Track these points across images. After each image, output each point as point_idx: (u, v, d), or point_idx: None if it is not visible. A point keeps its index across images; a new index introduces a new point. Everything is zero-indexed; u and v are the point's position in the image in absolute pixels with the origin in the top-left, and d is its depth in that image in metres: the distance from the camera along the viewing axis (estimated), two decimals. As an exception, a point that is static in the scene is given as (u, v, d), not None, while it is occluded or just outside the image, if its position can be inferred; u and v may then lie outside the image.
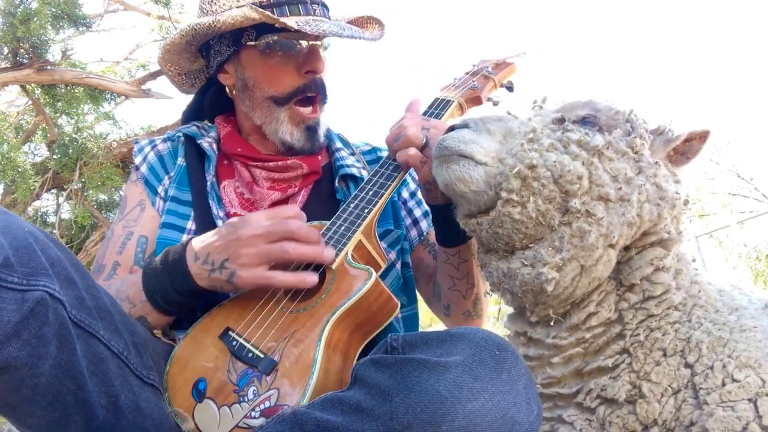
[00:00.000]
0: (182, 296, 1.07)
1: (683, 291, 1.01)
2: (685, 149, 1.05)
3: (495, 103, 1.36)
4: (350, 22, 1.43)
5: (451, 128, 1.09)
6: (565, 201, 0.97)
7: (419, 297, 1.46)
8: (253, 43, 1.30)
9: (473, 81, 1.33)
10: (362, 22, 1.46)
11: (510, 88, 1.41)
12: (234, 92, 1.40)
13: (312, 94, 1.33)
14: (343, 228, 1.13)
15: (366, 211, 1.16)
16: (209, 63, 1.39)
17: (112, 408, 0.89)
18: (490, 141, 1.05)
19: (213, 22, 1.22)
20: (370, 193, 1.19)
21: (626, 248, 1.02)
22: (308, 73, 1.32)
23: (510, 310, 1.18)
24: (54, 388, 0.82)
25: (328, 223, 1.16)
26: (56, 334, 0.82)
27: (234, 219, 1.08)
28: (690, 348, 0.95)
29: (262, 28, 1.28)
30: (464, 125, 1.08)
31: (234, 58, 1.34)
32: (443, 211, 1.21)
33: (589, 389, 1.00)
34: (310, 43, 1.32)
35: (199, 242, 1.07)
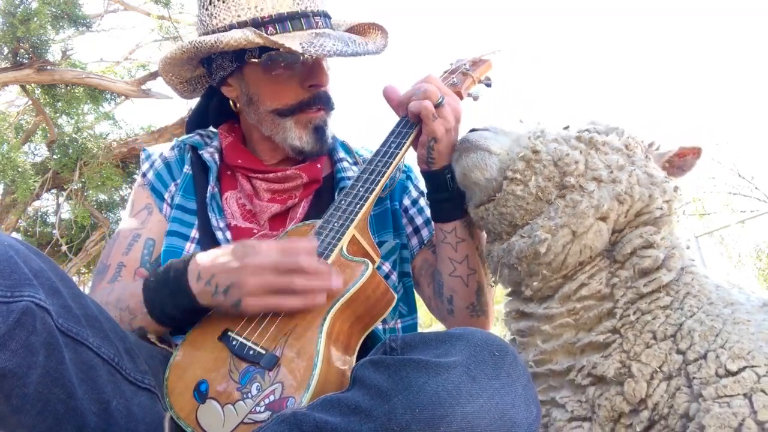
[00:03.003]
0: (183, 313, 1.06)
1: (674, 273, 1.05)
2: (680, 163, 1.15)
3: (475, 98, 1.37)
4: (352, 29, 1.42)
5: (473, 130, 1.22)
6: (562, 179, 1.08)
7: (419, 307, 1.44)
8: (256, 60, 1.28)
9: (453, 78, 1.34)
10: (364, 29, 1.44)
11: (488, 84, 1.42)
12: (238, 105, 1.38)
13: (317, 107, 1.32)
14: (336, 224, 1.13)
15: (357, 206, 1.15)
16: (211, 74, 1.37)
17: (103, 415, 0.88)
18: (505, 139, 1.19)
19: (216, 42, 1.20)
20: (361, 189, 1.19)
21: (621, 231, 1.09)
22: (312, 86, 1.31)
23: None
24: (44, 397, 0.82)
25: (320, 221, 1.16)
26: (44, 343, 0.81)
27: (245, 243, 1.05)
28: (682, 335, 0.98)
29: (264, 46, 1.25)
30: (485, 129, 1.22)
31: (237, 73, 1.33)
32: (439, 179, 1.23)
33: (581, 366, 1.04)
34: (314, 57, 1.31)
35: (203, 261, 1.04)
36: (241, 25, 1.23)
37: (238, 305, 0.99)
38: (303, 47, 1.19)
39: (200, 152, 1.39)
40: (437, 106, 1.19)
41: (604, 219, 1.06)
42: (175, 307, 1.05)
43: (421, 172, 1.29)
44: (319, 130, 1.33)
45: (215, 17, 1.27)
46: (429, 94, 1.19)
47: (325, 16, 1.32)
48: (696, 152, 1.13)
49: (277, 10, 1.24)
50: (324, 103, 1.33)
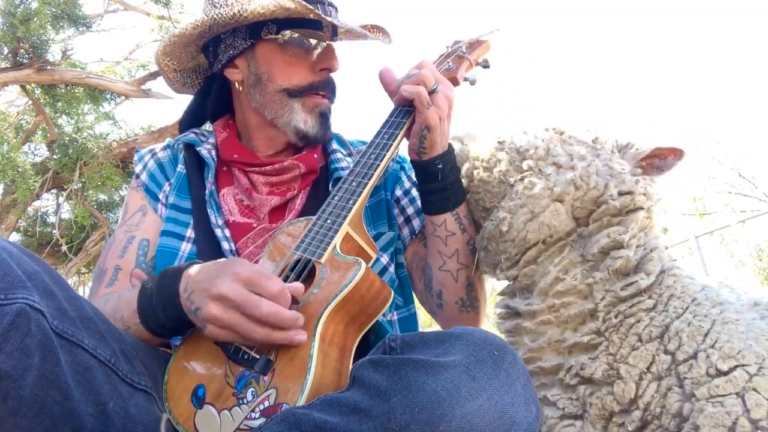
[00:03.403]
0: (174, 323, 1.02)
1: (652, 277, 1.06)
2: (659, 164, 1.16)
3: (472, 83, 1.33)
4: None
5: None
6: (522, 163, 1.17)
7: (419, 306, 1.43)
8: (273, 36, 1.29)
9: (448, 62, 1.30)
10: (368, 30, 1.45)
11: (486, 66, 1.38)
12: (242, 88, 1.37)
13: (323, 92, 1.34)
14: (329, 221, 1.11)
15: (351, 202, 1.13)
16: (216, 58, 1.36)
17: (100, 416, 0.88)
18: (483, 135, 1.28)
19: (240, 12, 1.20)
20: (354, 183, 1.17)
21: (587, 223, 1.13)
22: (323, 70, 1.32)
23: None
24: (40, 399, 0.81)
25: (314, 218, 1.15)
26: (39, 345, 0.81)
27: (224, 262, 0.99)
28: (669, 336, 0.98)
29: (282, 23, 1.28)
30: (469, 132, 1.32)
31: (248, 52, 1.33)
32: (429, 169, 1.22)
33: (569, 366, 1.06)
34: (327, 42, 1.33)
35: (192, 272, 1.00)
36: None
37: (203, 330, 0.95)
38: (338, 21, 1.22)
39: (198, 149, 1.38)
40: (432, 92, 1.17)
41: (560, 201, 1.12)
42: (167, 316, 1.02)
43: (411, 162, 1.28)
44: (324, 117, 1.34)
45: None
46: (424, 80, 1.17)
47: (336, 10, 1.34)
48: (677, 153, 1.14)
49: None
50: (330, 90, 1.35)
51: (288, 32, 1.29)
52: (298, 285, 0.98)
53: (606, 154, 1.15)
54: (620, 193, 1.11)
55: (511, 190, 1.16)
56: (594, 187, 1.11)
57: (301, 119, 1.32)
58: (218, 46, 1.35)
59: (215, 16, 1.23)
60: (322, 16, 1.22)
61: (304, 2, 1.20)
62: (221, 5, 1.28)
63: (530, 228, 1.13)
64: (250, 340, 0.93)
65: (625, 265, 1.07)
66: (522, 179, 1.15)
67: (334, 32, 1.34)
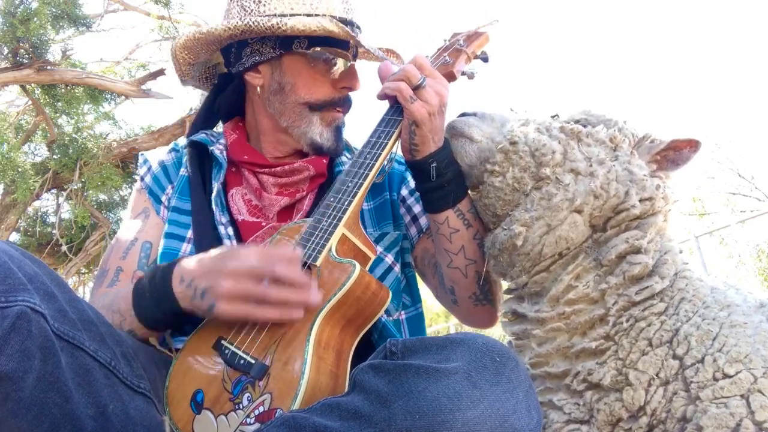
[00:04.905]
0: (165, 316, 1.06)
1: (667, 280, 1.04)
2: (674, 157, 1.12)
3: (470, 77, 1.29)
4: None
5: (463, 114, 1.25)
6: (538, 170, 1.10)
7: (425, 297, 1.43)
8: (303, 51, 1.31)
9: (445, 56, 1.27)
10: (383, 52, 1.46)
11: (485, 59, 1.34)
12: (261, 93, 1.38)
13: (340, 109, 1.37)
14: (324, 223, 1.11)
15: (346, 203, 1.13)
16: (239, 61, 1.36)
17: (100, 418, 0.88)
18: (489, 126, 1.21)
19: (278, 24, 1.22)
20: (349, 184, 1.17)
21: (604, 229, 1.09)
22: (344, 88, 1.35)
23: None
24: (39, 401, 0.82)
25: (311, 219, 1.14)
26: (40, 347, 0.81)
27: (229, 247, 1.06)
28: (679, 341, 0.97)
29: (312, 39, 1.30)
30: (473, 113, 1.25)
31: (275, 61, 1.34)
32: (423, 168, 1.20)
33: (576, 372, 1.04)
34: (350, 63, 1.37)
35: (188, 264, 1.05)
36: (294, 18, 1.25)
37: (212, 309, 0.99)
38: (376, 51, 1.27)
39: (211, 149, 1.40)
40: (417, 88, 1.15)
41: (579, 212, 1.07)
42: (160, 310, 1.05)
43: (405, 161, 1.26)
44: (339, 130, 1.37)
45: (265, 5, 1.29)
46: (407, 75, 1.15)
47: (360, 30, 1.36)
48: (693, 145, 1.10)
49: (330, 12, 1.29)
50: (348, 107, 1.39)
51: (318, 48, 1.31)
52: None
53: (625, 155, 1.10)
54: (641, 200, 1.07)
55: (525, 199, 1.10)
56: (614, 194, 1.06)
57: (318, 132, 1.34)
58: (243, 50, 1.35)
59: (251, 23, 1.24)
60: (361, 42, 1.24)
61: (346, 29, 1.23)
62: (253, 11, 1.29)
63: (547, 242, 1.08)
64: (266, 302, 0.97)
65: (642, 272, 1.04)
66: (539, 188, 1.09)
67: (355, 52, 1.38)
